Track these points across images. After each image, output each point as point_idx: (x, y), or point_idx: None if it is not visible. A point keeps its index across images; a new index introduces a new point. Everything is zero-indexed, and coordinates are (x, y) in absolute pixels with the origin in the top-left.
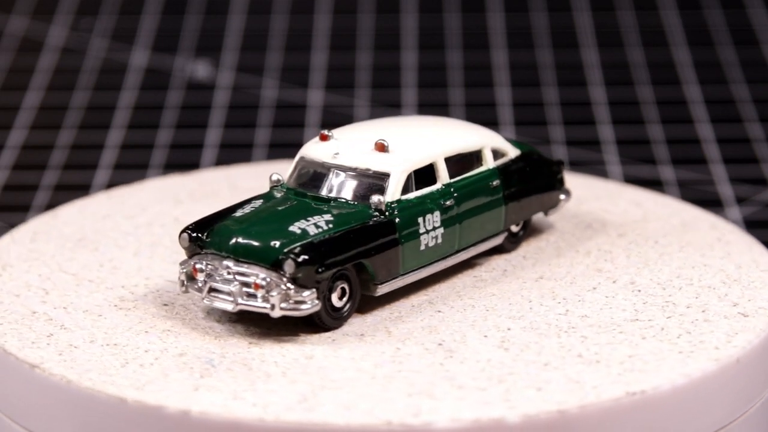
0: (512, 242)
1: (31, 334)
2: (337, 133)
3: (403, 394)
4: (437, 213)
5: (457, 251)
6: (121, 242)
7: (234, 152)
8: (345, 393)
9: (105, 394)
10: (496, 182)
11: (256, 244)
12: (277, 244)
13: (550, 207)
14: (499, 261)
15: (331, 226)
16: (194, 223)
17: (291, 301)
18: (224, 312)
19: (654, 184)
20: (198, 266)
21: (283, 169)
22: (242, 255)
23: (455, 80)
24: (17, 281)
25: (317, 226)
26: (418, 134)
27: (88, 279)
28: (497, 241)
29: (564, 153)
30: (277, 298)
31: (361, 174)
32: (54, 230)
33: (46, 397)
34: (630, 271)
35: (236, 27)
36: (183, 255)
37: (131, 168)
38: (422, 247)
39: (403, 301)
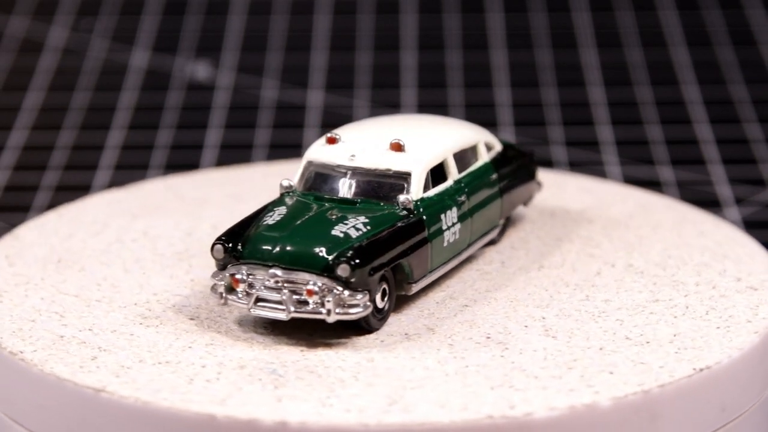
0: (499, 234)
1: (73, 358)
2: (341, 134)
3: (485, 387)
4: (454, 209)
5: (468, 245)
6: (103, 260)
7: (234, 153)
8: (429, 392)
9: (191, 412)
10: (494, 176)
11: (304, 250)
12: (326, 249)
13: (528, 198)
14: (491, 253)
15: (369, 228)
16: (225, 234)
17: (345, 306)
18: (257, 321)
19: (653, 184)
20: (238, 277)
21: (219, 179)
22: (289, 262)
23: (455, 80)
24: (23, 307)
25: (357, 229)
26: (422, 132)
27: (95, 299)
28: (495, 233)
29: (563, 154)
30: (333, 303)
31: (381, 175)
32: (25, 252)
33: (117, 421)
34: (620, 254)
35: (236, 27)
36: (175, 270)
37: (132, 169)
38: (445, 244)
39: (424, 298)
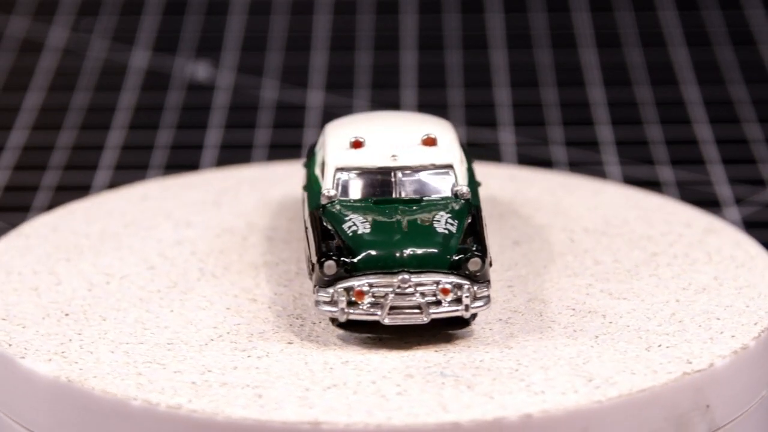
0: None
1: (240, 399)
2: (364, 138)
3: (641, 350)
4: (479, 194)
5: None
6: (107, 306)
7: (234, 153)
8: (601, 364)
9: (433, 424)
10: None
11: (427, 251)
12: (445, 246)
13: None
14: None
15: (456, 221)
16: (327, 249)
17: (475, 299)
18: (350, 331)
19: (652, 184)
20: (360, 289)
21: (91, 212)
22: (417, 265)
23: (455, 80)
24: (107, 363)
25: (451, 224)
26: (425, 126)
27: (165, 342)
28: None
29: (563, 154)
30: (470, 298)
31: (425, 170)
32: (17, 314)
33: None
34: (563, 221)
35: (236, 27)
36: (196, 302)
37: (132, 169)
38: (486, 231)
39: None
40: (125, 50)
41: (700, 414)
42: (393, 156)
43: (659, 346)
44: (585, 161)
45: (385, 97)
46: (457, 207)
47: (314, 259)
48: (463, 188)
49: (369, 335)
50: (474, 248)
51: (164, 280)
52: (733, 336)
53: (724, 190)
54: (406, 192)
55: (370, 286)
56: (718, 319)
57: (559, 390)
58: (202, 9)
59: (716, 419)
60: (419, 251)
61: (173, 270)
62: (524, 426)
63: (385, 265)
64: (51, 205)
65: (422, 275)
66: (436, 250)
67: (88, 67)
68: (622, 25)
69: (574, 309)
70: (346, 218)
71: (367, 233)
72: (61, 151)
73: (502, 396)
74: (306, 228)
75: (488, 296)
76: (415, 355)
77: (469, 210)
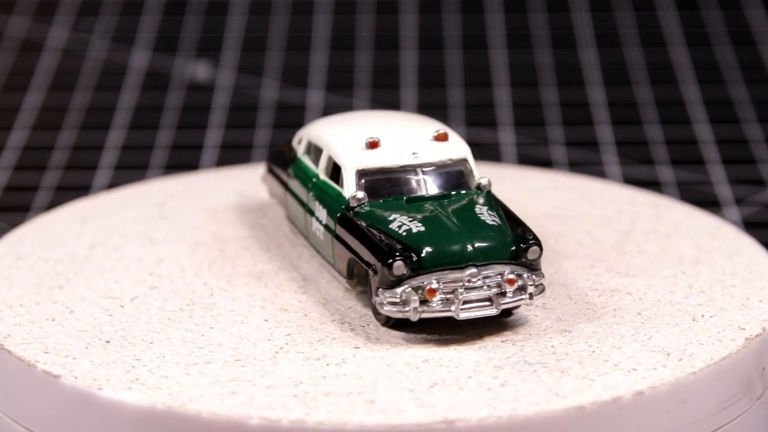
0: None
1: (353, 415)
2: (380, 138)
3: (689, 321)
4: None
5: None
6: (141, 330)
7: (234, 153)
8: (670, 338)
9: (559, 410)
10: None
11: (489, 243)
12: (503, 238)
13: None
14: None
15: (494, 213)
16: (392, 251)
17: (536, 286)
18: (412, 328)
19: (652, 184)
20: (432, 287)
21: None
22: (482, 258)
23: (454, 80)
24: (185, 395)
25: (492, 216)
26: (424, 124)
27: (233, 360)
28: None
29: (563, 154)
30: (534, 286)
31: (443, 166)
32: (65, 364)
33: None
34: (525, 208)
35: (236, 27)
36: (230, 316)
37: (132, 169)
38: None
39: None
40: (125, 50)
41: (759, 376)
42: (414, 153)
43: (702, 316)
44: (585, 161)
45: (385, 97)
46: (482, 199)
47: (374, 261)
48: (485, 180)
49: (425, 335)
50: (531, 238)
51: (177, 299)
52: (760, 301)
53: (724, 190)
54: (430, 188)
55: (438, 282)
56: (734, 286)
57: (648, 366)
58: (202, 9)
59: (767, 380)
60: (482, 244)
61: (177, 288)
62: (637, 403)
63: (452, 261)
64: (51, 205)
65: (489, 267)
66: (497, 242)
67: (88, 67)
68: (622, 25)
69: (596, 290)
70: (390, 218)
71: (422, 231)
72: (61, 151)
73: (601, 377)
74: (333, 233)
75: (543, 284)
76: (486, 347)
77: (493, 201)
